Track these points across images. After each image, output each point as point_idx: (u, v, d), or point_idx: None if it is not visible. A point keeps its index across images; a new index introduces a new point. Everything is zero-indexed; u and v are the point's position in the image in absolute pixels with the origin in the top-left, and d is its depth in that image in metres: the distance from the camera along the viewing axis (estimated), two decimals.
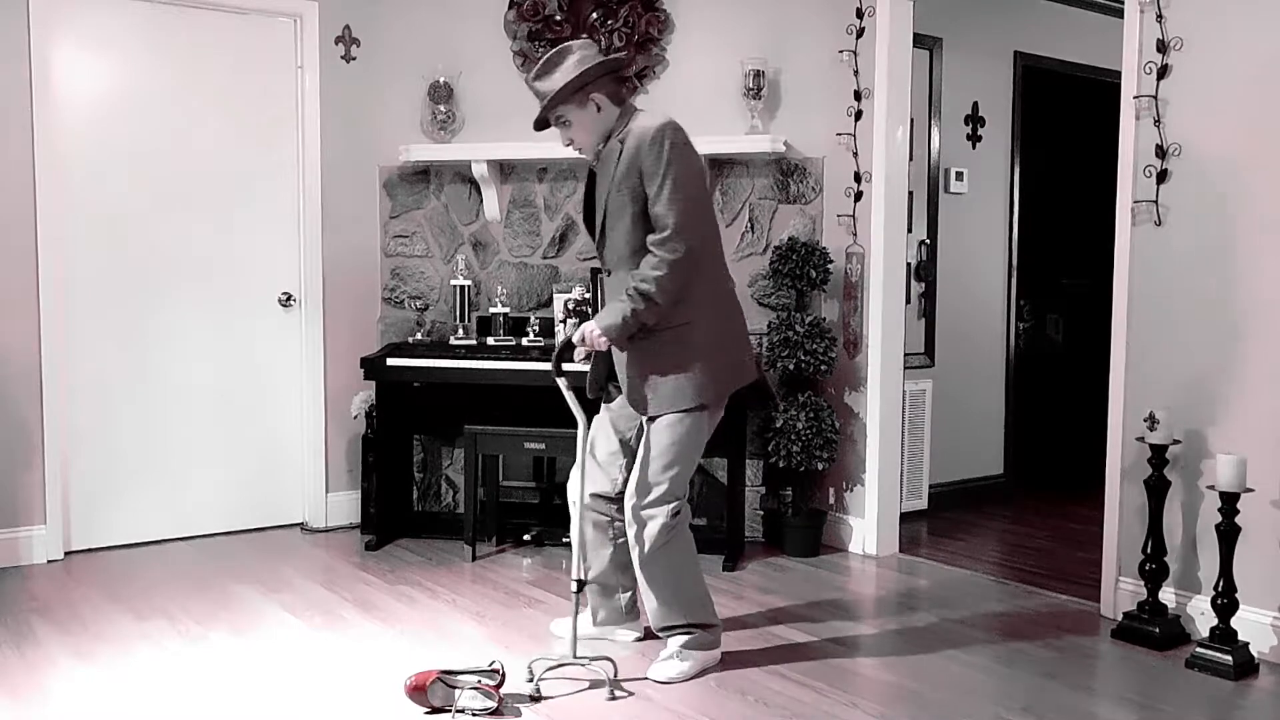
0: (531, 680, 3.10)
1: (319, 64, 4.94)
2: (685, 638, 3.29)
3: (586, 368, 3.39)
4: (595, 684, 3.14)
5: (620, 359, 3.26)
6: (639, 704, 3.06)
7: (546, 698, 3.06)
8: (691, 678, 3.24)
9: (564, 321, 4.77)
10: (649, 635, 3.49)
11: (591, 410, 3.45)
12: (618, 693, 3.10)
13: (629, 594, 3.51)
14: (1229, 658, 3.29)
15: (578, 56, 3.14)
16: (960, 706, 3.06)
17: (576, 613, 3.26)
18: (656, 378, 3.18)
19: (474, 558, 4.51)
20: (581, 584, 3.27)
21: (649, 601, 3.31)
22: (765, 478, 4.80)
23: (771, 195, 4.81)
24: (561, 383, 3.23)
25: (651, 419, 3.23)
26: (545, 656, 3.24)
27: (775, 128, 4.72)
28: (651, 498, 3.21)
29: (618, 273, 3.22)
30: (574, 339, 3.19)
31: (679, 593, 3.28)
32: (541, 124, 3.26)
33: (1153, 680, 3.30)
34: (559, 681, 3.16)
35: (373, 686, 3.15)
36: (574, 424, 4.10)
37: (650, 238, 3.10)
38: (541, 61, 3.17)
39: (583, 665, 3.19)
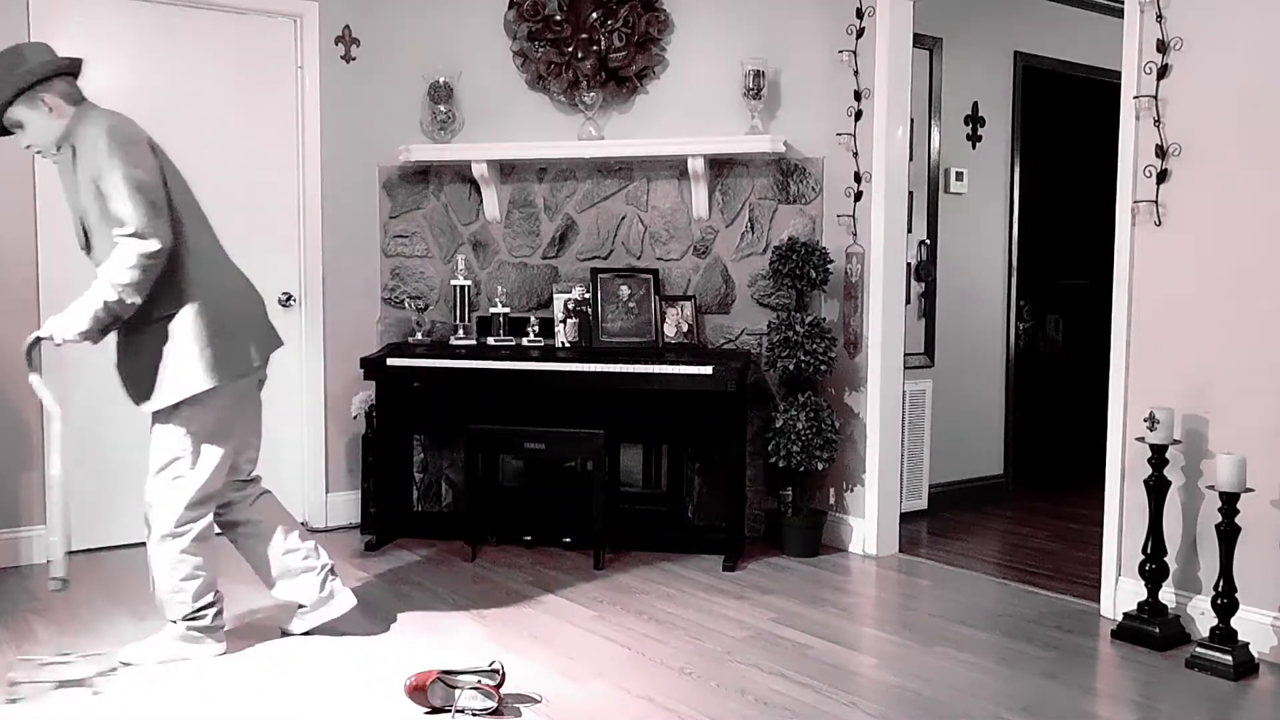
0: (15, 684, 3.10)
1: (319, 64, 4.95)
2: (183, 627, 3.33)
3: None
4: (66, 683, 3.14)
5: (121, 355, 3.25)
6: (647, 705, 3.06)
7: (22, 699, 3.05)
8: (165, 661, 3.28)
9: (564, 321, 4.77)
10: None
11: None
12: (99, 687, 3.12)
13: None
14: (1229, 658, 3.29)
15: (24, 57, 3.08)
16: (960, 706, 3.06)
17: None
18: (151, 371, 3.18)
19: (474, 558, 4.51)
20: (64, 582, 3.15)
21: (159, 587, 3.33)
22: (765, 478, 4.80)
23: (771, 195, 4.81)
24: (34, 378, 3.14)
25: (157, 413, 3.23)
26: (29, 656, 3.25)
27: (775, 128, 4.72)
28: (162, 489, 3.23)
29: None
30: (42, 333, 3.12)
31: (183, 586, 3.30)
32: None
33: (1153, 680, 3.30)
34: (39, 685, 3.15)
35: (373, 686, 3.15)
36: (574, 423, 4.07)
37: (114, 234, 3.05)
38: None
39: (67, 663, 3.20)
